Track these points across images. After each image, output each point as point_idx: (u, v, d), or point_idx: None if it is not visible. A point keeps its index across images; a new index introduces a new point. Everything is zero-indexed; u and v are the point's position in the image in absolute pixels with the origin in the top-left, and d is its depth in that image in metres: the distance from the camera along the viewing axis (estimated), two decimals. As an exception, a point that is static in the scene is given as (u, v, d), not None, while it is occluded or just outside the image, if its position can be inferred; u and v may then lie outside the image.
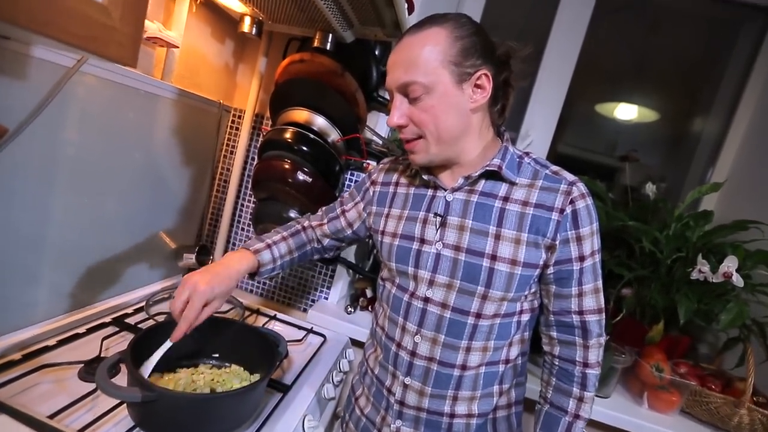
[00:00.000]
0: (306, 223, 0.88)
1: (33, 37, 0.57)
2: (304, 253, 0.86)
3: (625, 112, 1.53)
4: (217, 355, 0.82)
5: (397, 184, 0.79)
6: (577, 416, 0.68)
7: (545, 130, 1.46)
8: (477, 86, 0.64)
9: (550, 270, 0.67)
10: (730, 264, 0.99)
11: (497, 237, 0.65)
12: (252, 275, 0.78)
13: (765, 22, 1.36)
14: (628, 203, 1.32)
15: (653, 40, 1.50)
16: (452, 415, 0.70)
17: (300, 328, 1.11)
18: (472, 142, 0.69)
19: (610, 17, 1.46)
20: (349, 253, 1.26)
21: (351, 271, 1.30)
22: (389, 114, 0.67)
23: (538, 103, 1.46)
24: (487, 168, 0.67)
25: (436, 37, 0.62)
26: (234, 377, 0.77)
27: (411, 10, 0.95)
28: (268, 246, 0.79)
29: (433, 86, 0.62)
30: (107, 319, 0.92)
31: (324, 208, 0.90)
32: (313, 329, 1.10)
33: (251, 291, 1.36)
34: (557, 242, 0.65)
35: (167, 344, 0.68)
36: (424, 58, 0.61)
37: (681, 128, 1.50)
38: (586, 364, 0.68)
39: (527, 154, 0.71)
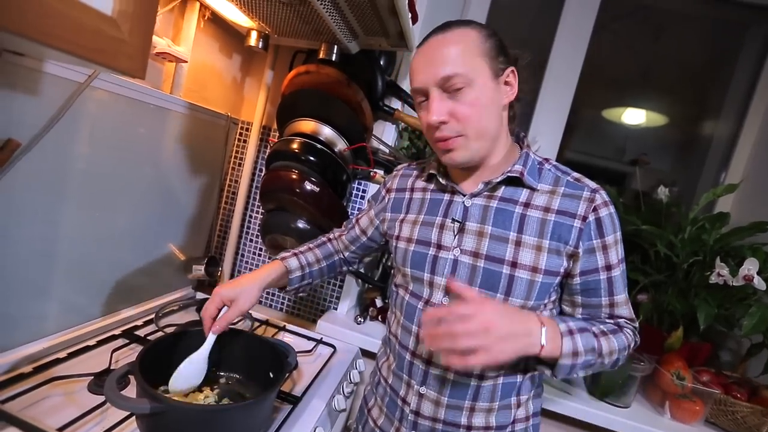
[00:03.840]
0: (331, 235, 0.91)
1: (46, 52, 0.59)
2: (332, 263, 0.88)
3: (633, 116, 1.51)
4: (226, 366, 0.81)
5: (412, 189, 0.78)
6: (595, 335, 0.62)
7: (552, 137, 1.46)
8: (506, 83, 0.65)
9: (576, 281, 0.65)
10: (750, 267, 0.96)
11: (518, 243, 0.64)
12: (283, 288, 0.82)
13: (773, 23, 1.35)
14: (640, 208, 1.29)
15: (659, 44, 1.49)
16: (469, 428, 0.67)
17: (309, 338, 1.10)
18: (502, 142, 0.69)
19: (614, 24, 1.46)
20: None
21: (360, 280, 1.29)
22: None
23: (545, 111, 1.45)
24: (509, 174, 0.66)
25: (468, 34, 0.63)
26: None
27: (415, 20, 0.96)
28: (295, 254, 0.83)
29: (474, 78, 0.62)
30: (117, 332, 0.92)
31: (347, 220, 0.93)
32: (323, 340, 1.09)
33: (261, 302, 1.36)
34: (580, 250, 0.63)
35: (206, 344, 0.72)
36: (463, 50, 0.62)
37: (691, 132, 1.48)
38: (621, 328, 0.66)
39: (547, 160, 0.70)
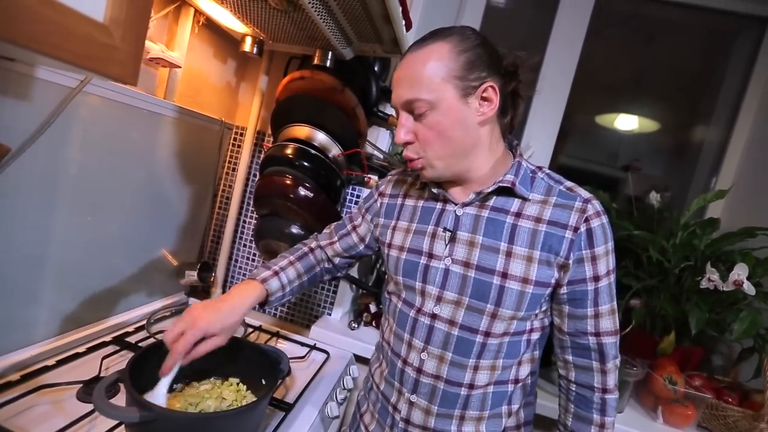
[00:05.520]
0: (314, 244, 0.86)
1: (37, 58, 0.58)
2: (313, 275, 0.84)
3: (626, 122, 1.53)
4: (217, 373, 0.80)
5: (405, 196, 0.78)
6: None
7: (546, 143, 1.47)
8: (484, 99, 0.63)
9: (563, 290, 0.65)
10: (740, 272, 0.97)
11: (508, 254, 0.63)
12: (262, 304, 0.77)
13: (761, 31, 1.37)
14: (633, 213, 1.30)
15: (650, 51, 1.51)
16: None
17: (303, 344, 1.09)
18: (483, 156, 0.67)
19: (607, 31, 1.48)
20: (353, 269, 1.25)
21: (354, 286, 1.29)
22: (395, 130, 0.67)
23: (538, 116, 1.46)
24: (500, 184, 0.65)
25: (438, 51, 0.61)
26: (233, 394, 0.75)
27: (409, 27, 0.96)
28: (276, 273, 0.77)
29: (437, 102, 0.61)
30: (108, 338, 0.91)
31: (332, 226, 0.88)
32: (317, 346, 1.08)
33: (254, 308, 1.34)
34: (570, 261, 0.63)
35: (164, 382, 0.64)
36: (427, 75, 0.61)
37: (682, 137, 1.50)
38: (605, 390, 0.66)
39: (540, 168, 0.70)
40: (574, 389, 0.68)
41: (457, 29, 0.63)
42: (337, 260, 0.86)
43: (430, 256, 0.68)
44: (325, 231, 0.88)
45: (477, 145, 0.66)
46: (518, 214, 0.65)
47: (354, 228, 0.84)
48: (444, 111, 0.62)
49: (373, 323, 1.25)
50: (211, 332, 0.66)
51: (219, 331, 0.67)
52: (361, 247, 0.84)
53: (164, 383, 0.64)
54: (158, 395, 0.63)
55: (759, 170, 1.29)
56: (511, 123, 0.71)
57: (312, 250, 0.85)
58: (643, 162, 1.45)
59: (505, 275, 0.63)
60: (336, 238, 0.85)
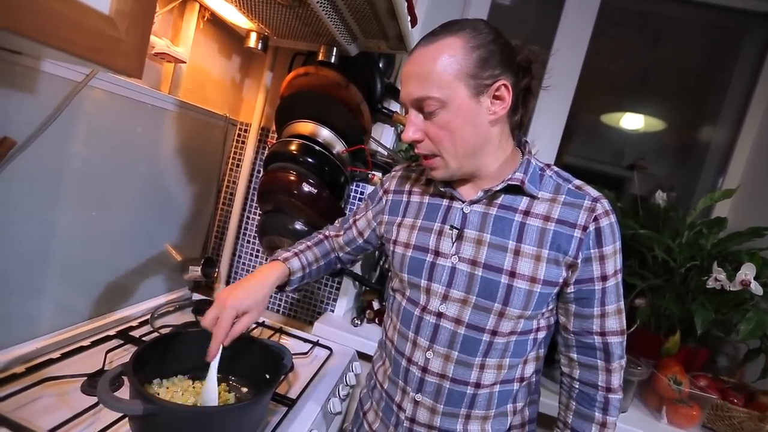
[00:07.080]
0: (327, 233, 0.89)
1: (43, 51, 0.59)
2: (329, 261, 0.87)
3: (631, 121, 1.52)
4: (222, 368, 0.80)
5: (410, 192, 0.77)
6: None
7: (551, 141, 1.46)
8: (496, 97, 0.61)
9: (570, 289, 0.64)
10: (747, 272, 0.96)
11: (516, 252, 0.62)
12: (282, 287, 0.80)
13: (770, 29, 1.36)
14: (638, 212, 1.29)
15: (657, 50, 1.49)
16: None
17: (306, 341, 1.09)
18: (492, 154, 0.66)
19: (613, 30, 1.47)
20: (356, 265, 1.25)
21: (357, 283, 1.29)
22: (402, 126, 0.66)
23: (543, 115, 1.46)
24: (510, 182, 0.64)
25: (450, 47, 0.59)
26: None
27: (414, 23, 0.96)
28: (296, 254, 0.80)
29: (448, 100, 0.60)
30: (112, 332, 0.91)
31: (340, 219, 0.91)
32: (319, 342, 1.08)
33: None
34: (579, 261, 0.62)
35: (213, 366, 0.67)
36: (438, 72, 0.59)
37: (689, 137, 1.49)
38: (609, 389, 0.65)
39: (549, 166, 0.68)
40: (577, 386, 0.68)
41: (470, 23, 0.61)
42: (341, 253, 0.88)
43: (437, 253, 0.67)
44: (335, 223, 0.90)
45: (487, 144, 0.65)
46: (527, 212, 0.64)
47: (354, 222, 0.86)
48: (455, 110, 0.60)
49: (376, 320, 1.25)
50: (242, 309, 0.68)
51: (250, 307, 0.69)
52: (360, 241, 0.85)
53: (213, 366, 0.67)
54: (210, 380, 0.67)
55: (766, 170, 1.28)
56: (520, 121, 0.69)
57: (327, 237, 0.88)
58: (649, 161, 1.44)
59: (513, 274, 0.62)
60: (342, 231, 0.87)
